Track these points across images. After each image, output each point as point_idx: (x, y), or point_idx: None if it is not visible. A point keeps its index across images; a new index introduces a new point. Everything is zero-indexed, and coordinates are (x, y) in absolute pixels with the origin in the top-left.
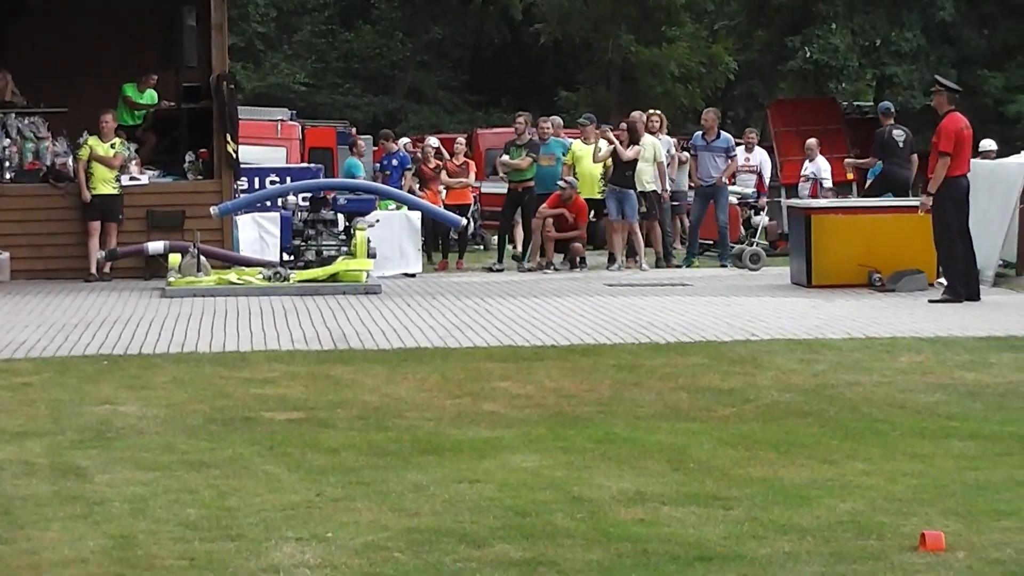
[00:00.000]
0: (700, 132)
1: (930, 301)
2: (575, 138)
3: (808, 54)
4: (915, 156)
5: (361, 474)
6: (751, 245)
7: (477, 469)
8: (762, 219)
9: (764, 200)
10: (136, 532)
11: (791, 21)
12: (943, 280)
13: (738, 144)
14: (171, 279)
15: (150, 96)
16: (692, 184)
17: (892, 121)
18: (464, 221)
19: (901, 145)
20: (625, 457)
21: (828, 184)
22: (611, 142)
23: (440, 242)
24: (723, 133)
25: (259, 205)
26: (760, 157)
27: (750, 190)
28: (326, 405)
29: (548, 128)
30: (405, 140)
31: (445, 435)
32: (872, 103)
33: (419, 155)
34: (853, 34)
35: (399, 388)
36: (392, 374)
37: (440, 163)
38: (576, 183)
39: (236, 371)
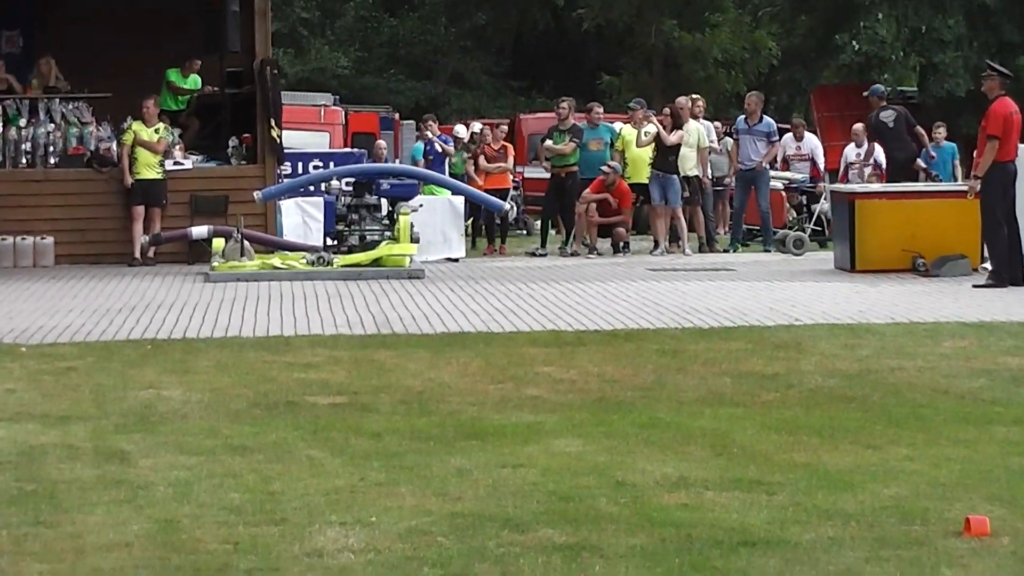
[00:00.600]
0: (743, 116)
1: (974, 286)
2: (620, 123)
3: (856, 46)
4: (919, 130)
5: (404, 459)
6: (803, 231)
7: (520, 454)
8: (821, 205)
9: (823, 185)
10: (180, 516)
11: (834, 6)
12: (987, 265)
13: (783, 131)
14: (215, 264)
15: (194, 81)
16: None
17: (884, 104)
18: (507, 206)
19: (891, 125)
20: (668, 442)
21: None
22: (656, 128)
23: (485, 227)
24: (765, 117)
25: (302, 190)
26: (811, 144)
27: (801, 175)
28: (369, 390)
29: (601, 112)
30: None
31: (488, 420)
32: (916, 89)
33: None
34: (898, 23)
35: (442, 373)
36: (435, 359)
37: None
38: (619, 168)
39: (279, 356)
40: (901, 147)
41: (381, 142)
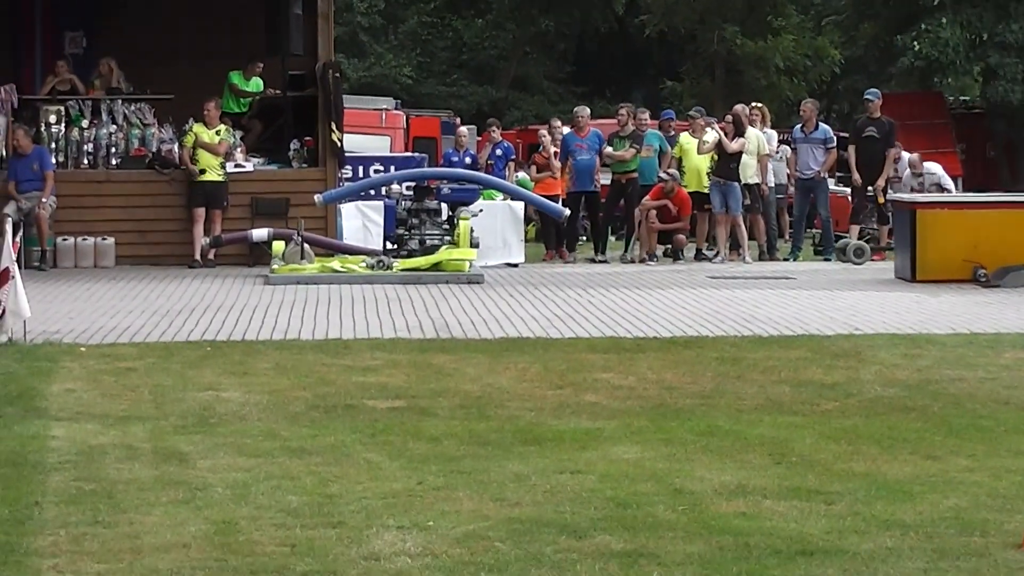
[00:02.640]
0: (799, 124)
1: None
2: (683, 131)
3: (918, 48)
4: (891, 152)
5: (462, 463)
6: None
7: (578, 460)
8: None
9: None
10: (237, 518)
11: (897, 15)
12: None
13: (842, 139)
14: (275, 266)
15: (256, 84)
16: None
17: (878, 115)
18: (567, 212)
19: (878, 137)
20: (727, 450)
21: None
22: (718, 135)
23: (550, 232)
24: (822, 124)
25: (363, 194)
26: (938, 174)
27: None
28: (427, 394)
29: (646, 119)
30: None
31: (546, 425)
32: (980, 97)
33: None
34: (961, 28)
35: (500, 378)
36: (494, 364)
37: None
38: (678, 175)
39: (338, 359)
40: (871, 163)
41: (463, 129)
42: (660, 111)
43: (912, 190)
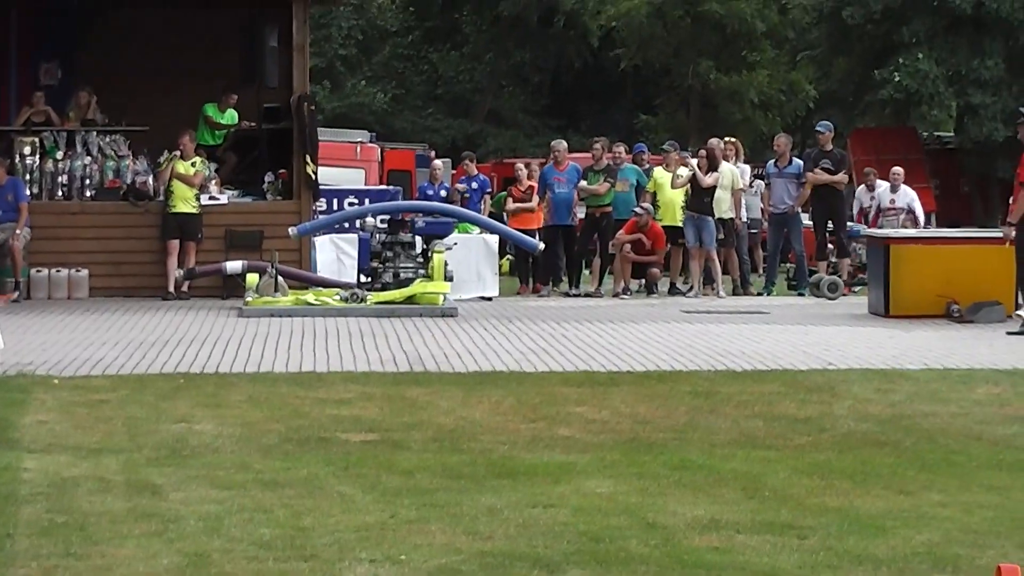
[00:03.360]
0: (773, 159)
1: (1008, 333)
2: (657, 164)
3: (897, 78)
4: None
5: (435, 496)
6: None
7: (551, 493)
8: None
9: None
10: (210, 550)
11: (872, 49)
12: (1021, 312)
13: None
14: (248, 299)
15: (230, 116)
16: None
17: (824, 143)
18: (542, 246)
19: (833, 169)
20: (700, 484)
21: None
22: (692, 169)
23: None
24: (795, 159)
25: (337, 226)
26: (908, 196)
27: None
28: (401, 427)
29: (622, 153)
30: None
31: (519, 459)
32: (952, 134)
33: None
34: (936, 63)
35: (474, 411)
36: (467, 397)
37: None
38: (652, 209)
39: (312, 391)
40: (829, 195)
41: (438, 162)
42: (634, 144)
43: (883, 211)
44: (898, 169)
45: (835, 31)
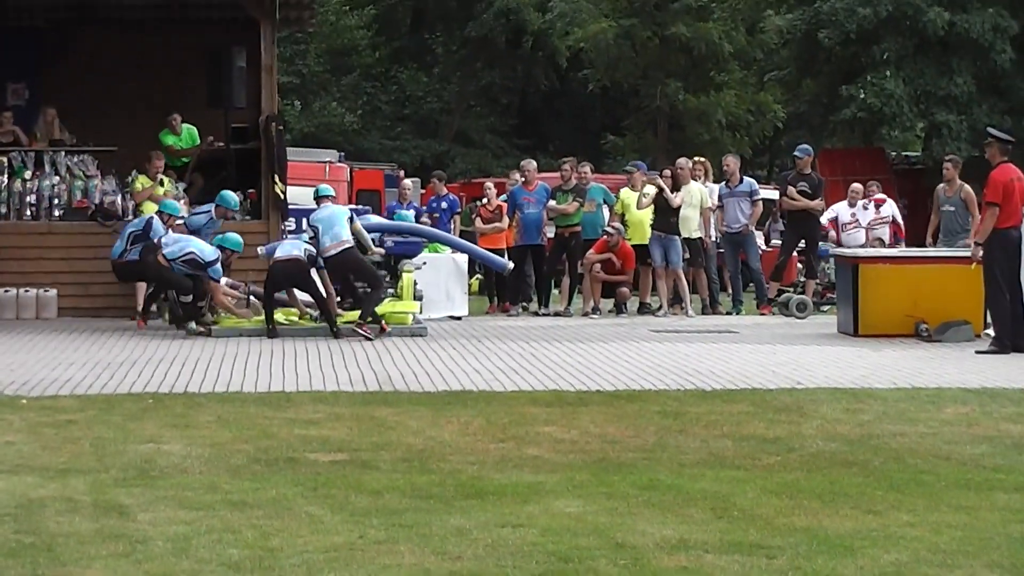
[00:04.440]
0: (724, 180)
1: (977, 352)
2: (622, 185)
3: (863, 96)
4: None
5: (404, 516)
6: None
7: (520, 514)
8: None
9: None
10: (178, 571)
11: (841, 71)
12: (990, 331)
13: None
14: (217, 319)
15: (189, 133)
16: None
17: (803, 168)
18: (511, 265)
19: (810, 193)
20: (669, 504)
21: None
22: (660, 188)
23: (493, 285)
24: (746, 178)
25: None
26: (891, 208)
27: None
28: (370, 447)
29: (587, 173)
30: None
31: (488, 479)
32: (920, 153)
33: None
34: (904, 83)
35: (443, 431)
36: (436, 417)
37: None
38: (623, 229)
39: (280, 412)
40: (805, 219)
41: (407, 182)
42: (602, 165)
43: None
44: (857, 186)
45: (803, 52)
